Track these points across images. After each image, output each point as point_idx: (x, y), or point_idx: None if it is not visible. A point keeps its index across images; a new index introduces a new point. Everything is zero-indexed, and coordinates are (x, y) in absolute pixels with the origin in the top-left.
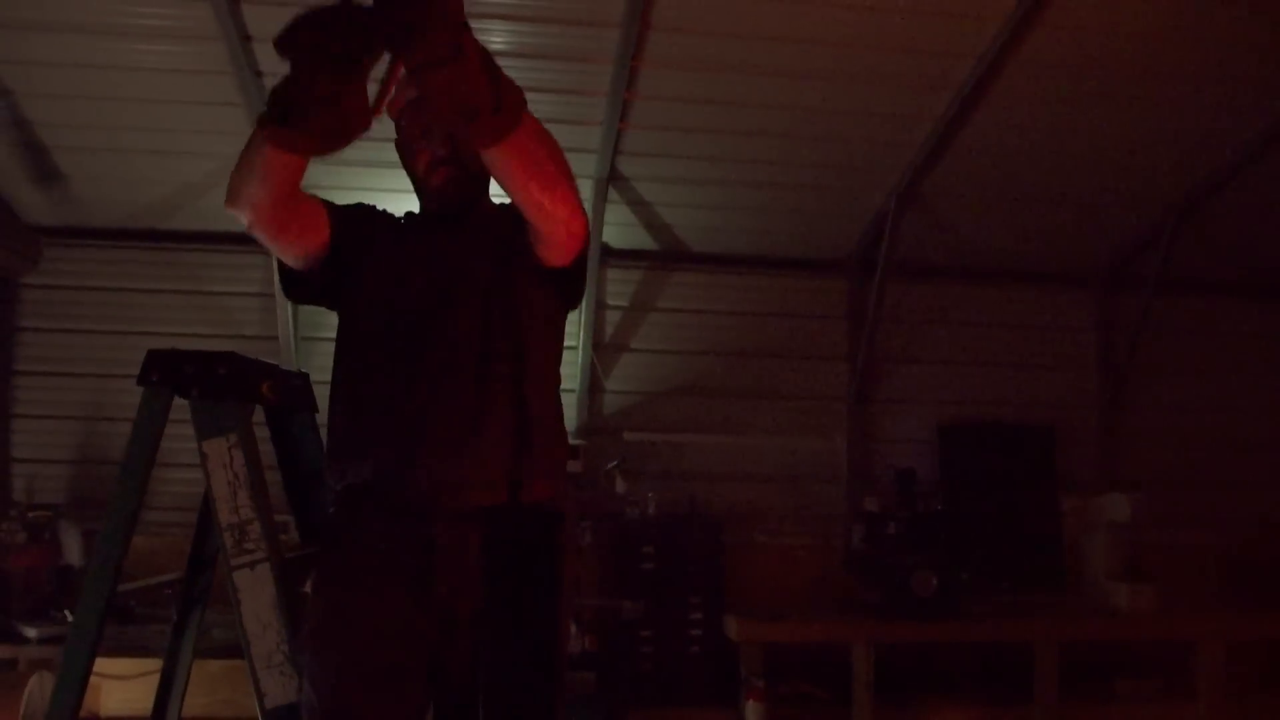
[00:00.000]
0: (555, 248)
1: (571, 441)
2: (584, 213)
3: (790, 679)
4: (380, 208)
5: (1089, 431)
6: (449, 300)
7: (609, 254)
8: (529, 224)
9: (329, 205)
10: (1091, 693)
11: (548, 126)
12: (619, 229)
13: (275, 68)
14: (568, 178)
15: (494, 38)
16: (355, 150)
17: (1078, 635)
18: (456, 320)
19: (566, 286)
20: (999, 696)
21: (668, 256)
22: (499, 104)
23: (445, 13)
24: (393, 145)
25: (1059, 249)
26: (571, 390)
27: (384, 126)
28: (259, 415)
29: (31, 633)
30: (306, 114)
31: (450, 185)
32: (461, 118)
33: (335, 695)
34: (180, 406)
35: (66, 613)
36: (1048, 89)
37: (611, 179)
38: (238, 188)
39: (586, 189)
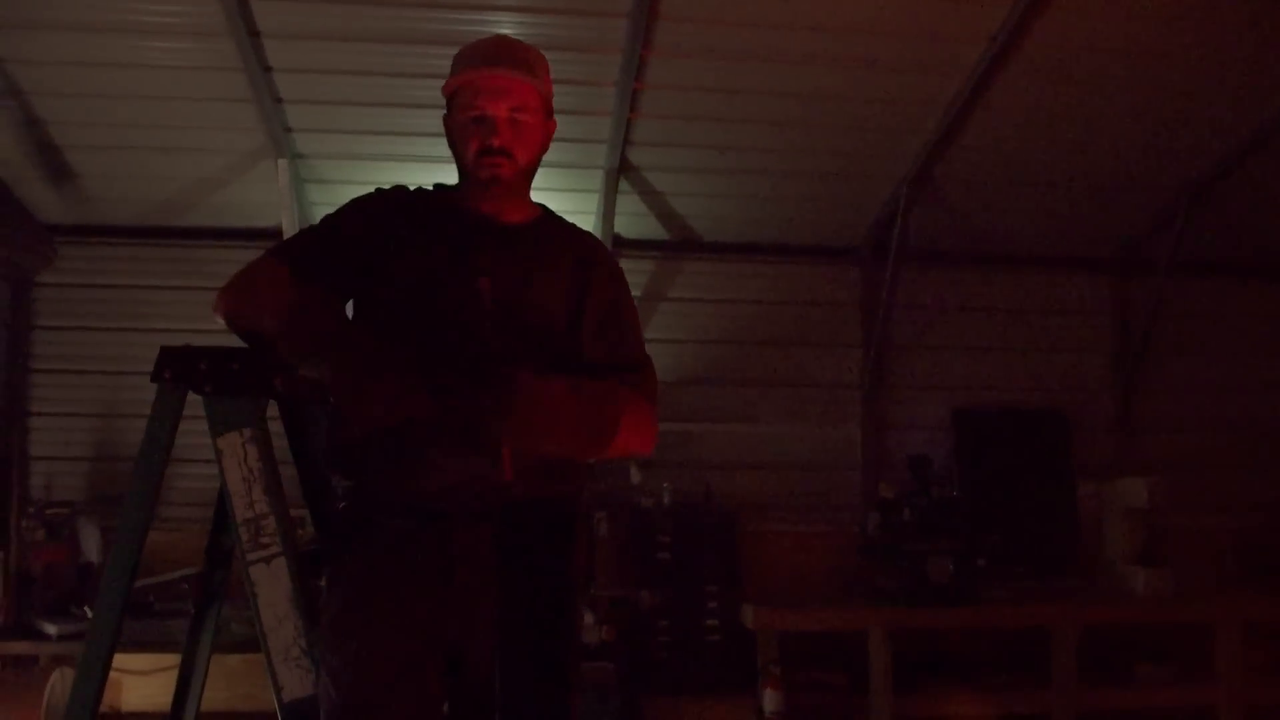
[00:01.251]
0: None
1: None
2: (653, 437)
3: (807, 666)
4: (383, 192)
5: (1104, 416)
6: (504, 326)
7: (620, 244)
8: None
9: (306, 272)
10: (1110, 677)
11: (556, 117)
12: (630, 219)
13: (285, 62)
14: (644, 434)
15: (503, 29)
16: (372, 144)
17: (1095, 620)
18: (505, 344)
19: None
20: (1017, 682)
21: (679, 246)
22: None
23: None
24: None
25: (1072, 233)
26: None
27: (408, 120)
28: (272, 410)
29: (52, 629)
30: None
31: (499, 180)
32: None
33: (353, 687)
34: (194, 402)
35: (86, 609)
36: (1059, 72)
37: (622, 169)
38: (249, 315)
39: (596, 180)
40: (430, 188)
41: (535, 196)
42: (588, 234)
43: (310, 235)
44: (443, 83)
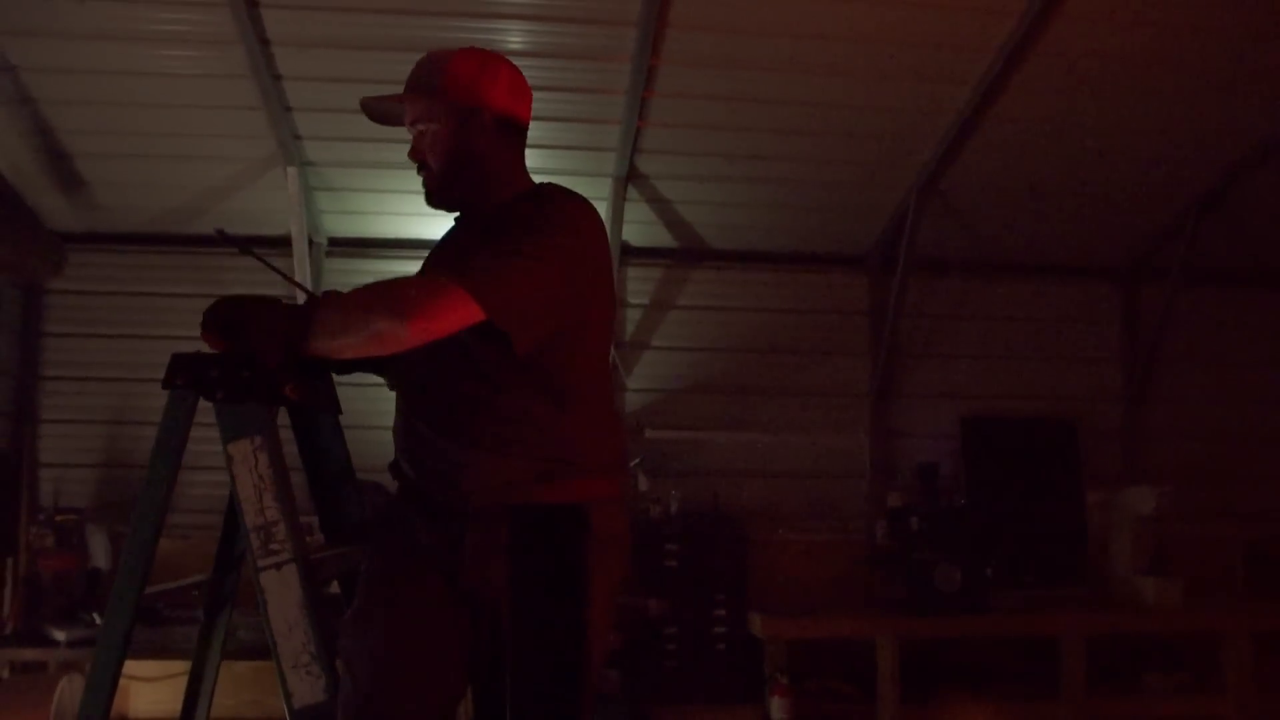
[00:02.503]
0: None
1: None
2: (417, 312)
3: (815, 675)
4: None
5: (1113, 424)
6: None
7: (628, 252)
8: None
9: None
10: (1118, 687)
11: (565, 125)
12: (638, 227)
13: (295, 70)
14: (377, 313)
15: (512, 37)
16: (381, 152)
17: (1104, 629)
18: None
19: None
20: (1025, 691)
21: (687, 254)
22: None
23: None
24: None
25: (1082, 242)
26: None
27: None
28: (283, 417)
29: (61, 636)
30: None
31: (426, 189)
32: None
33: (373, 677)
34: (205, 409)
35: (95, 615)
36: (1068, 81)
37: (630, 177)
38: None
39: (605, 187)
40: None
41: None
42: (529, 195)
43: None
44: None
